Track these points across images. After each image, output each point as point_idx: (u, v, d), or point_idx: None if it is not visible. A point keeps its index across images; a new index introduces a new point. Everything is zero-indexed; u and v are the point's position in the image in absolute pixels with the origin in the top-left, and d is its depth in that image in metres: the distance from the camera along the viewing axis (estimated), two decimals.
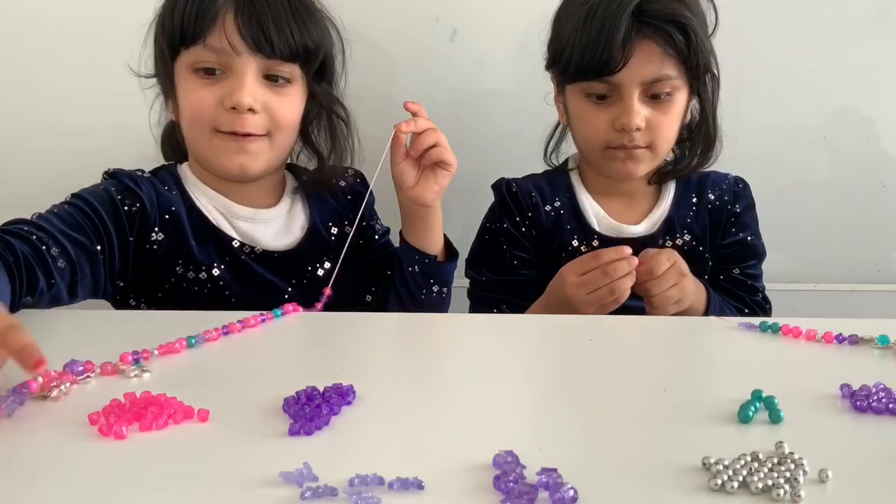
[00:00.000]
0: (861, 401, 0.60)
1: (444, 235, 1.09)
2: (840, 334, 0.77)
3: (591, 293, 0.97)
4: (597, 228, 1.14)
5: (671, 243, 1.13)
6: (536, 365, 0.75)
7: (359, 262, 1.11)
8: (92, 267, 0.92)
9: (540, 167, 1.24)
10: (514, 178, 1.19)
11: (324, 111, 1.07)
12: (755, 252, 1.18)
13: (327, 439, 0.55)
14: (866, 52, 1.39)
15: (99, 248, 0.93)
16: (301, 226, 1.07)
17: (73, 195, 0.96)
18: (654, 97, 1.05)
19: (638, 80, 1.03)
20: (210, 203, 1.03)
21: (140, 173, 1.03)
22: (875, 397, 0.60)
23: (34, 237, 0.85)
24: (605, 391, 0.65)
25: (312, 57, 1.00)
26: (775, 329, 0.80)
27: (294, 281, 1.04)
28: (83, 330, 0.84)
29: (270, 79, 0.98)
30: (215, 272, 0.99)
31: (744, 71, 1.40)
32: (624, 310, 0.99)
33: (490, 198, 1.20)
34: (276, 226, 1.05)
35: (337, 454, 0.53)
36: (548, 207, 1.15)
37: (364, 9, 1.40)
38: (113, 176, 1.01)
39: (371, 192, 1.09)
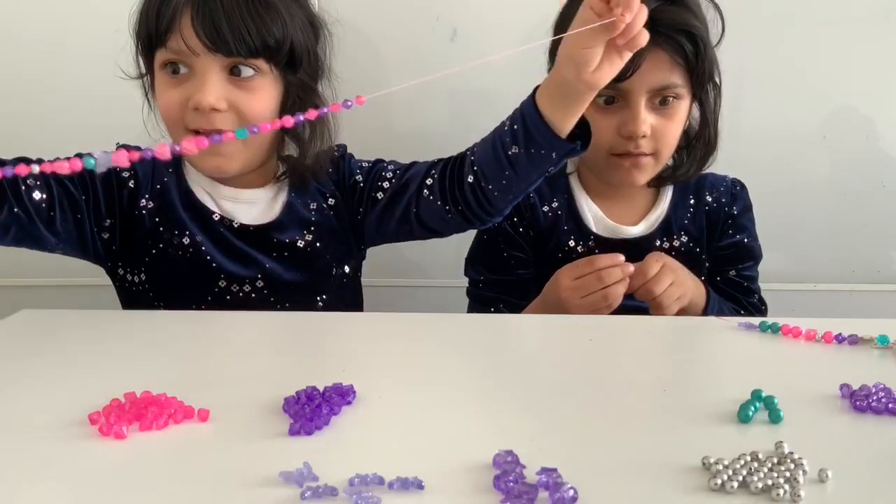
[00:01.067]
0: (861, 401, 0.60)
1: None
2: (840, 334, 0.77)
3: (584, 297, 0.99)
4: (593, 229, 1.14)
5: (668, 244, 1.14)
6: (536, 365, 0.75)
7: (379, 212, 1.08)
8: (74, 213, 0.96)
9: None
10: None
11: (303, 102, 1.06)
12: (752, 254, 1.18)
13: (327, 439, 0.55)
14: (866, 52, 1.39)
15: (84, 197, 0.97)
16: (281, 206, 1.08)
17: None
18: (659, 103, 1.05)
19: (646, 87, 1.03)
20: (198, 183, 1.06)
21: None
22: (875, 397, 0.60)
23: (10, 162, 0.86)
24: (605, 391, 0.65)
25: (275, 51, 0.99)
26: (775, 329, 0.80)
27: (275, 254, 1.05)
28: (83, 329, 0.85)
29: (236, 73, 0.98)
30: (198, 238, 1.03)
31: (744, 71, 1.40)
32: (624, 310, 0.99)
33: None
34: (259, 207, 1.07)
35: (337, 454, 0.53)
36: (545, 208, 1.16)
37: (364, 9, 1.41)
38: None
39: (352, 159, 1.11)
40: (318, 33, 1.06)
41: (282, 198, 1.08)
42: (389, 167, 1.09)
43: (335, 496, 0.46)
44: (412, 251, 1.24)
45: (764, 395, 0.60)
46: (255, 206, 1.06)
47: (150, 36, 0.98)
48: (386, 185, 1.07)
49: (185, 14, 0.95)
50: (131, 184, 1.02)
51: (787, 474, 0.48)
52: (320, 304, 1.07)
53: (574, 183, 1.18)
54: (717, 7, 1.10)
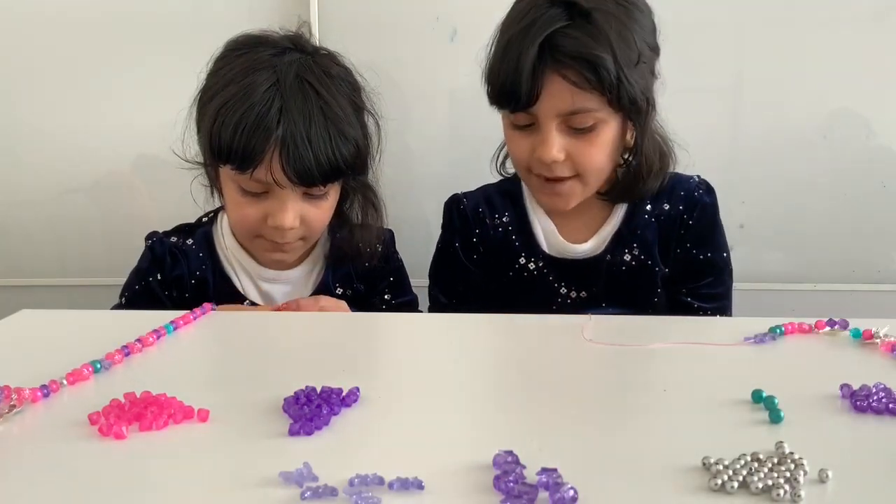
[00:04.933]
0: (861, 401, 0.60)
1: None
2: (831, 318, 0.79)
3: None
4: (544, 247, 1.10)
5: (619, 258, 1.08)
6: (536, 365, 0.75)
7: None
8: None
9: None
10: (465, 193, 1.16)
11: (360, 198, 1.12)
12: (711, 269, 1.10)
13: (327, 439, 0.55)
14: (866, 52, 1.39)
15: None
16: (314, 284, 1.12)
17: (126, 300, 1.09)
18: (576, 128, 0.99)
19: (553, 112, 0.98)
20: (238, 264, 1.10)
21: (178, 242, 1.10)
22: (875, 397, 0.60)
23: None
24: (605, 391, 0.65)
25: (346, 173, 1.04)
26: (780, 332, 0.80)
27: None
28: (83, 329, 0.85)
29: (310, 193, 1.03)
30: None
31: (744, 71, 1.40)
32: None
33: None
34: (293, 284, 1.11)
35: (337, 454, 0.53)
36: (496, 221, 1.12)
37: (364, 8, 1.41)
38: (152, 249, 1.10)
39: (391, 249, 1.17)
40: (371, 129, 1.09)
41: (316, 275, 1.12)
42: (389, 293, 1.14)
43: (335, 496, 0.46)
44: (411, 251, 1.24)
45: (764, 395, 0.60)
46: (289, 285, 1.11)
47: (231, 160, 0.99)
48: (386, 297, 1.13)
49: (275, 151, 0.97)
50: (176, 279, 1.08)
51: (788, 474, 0.48)
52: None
53: (527, 195, 1.13)
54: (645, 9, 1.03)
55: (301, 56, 1.03)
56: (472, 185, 1.21)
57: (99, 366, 0.68)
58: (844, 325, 0.80)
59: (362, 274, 1.14)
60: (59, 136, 1.44)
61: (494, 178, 1.20)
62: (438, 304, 1.16)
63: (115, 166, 1.46)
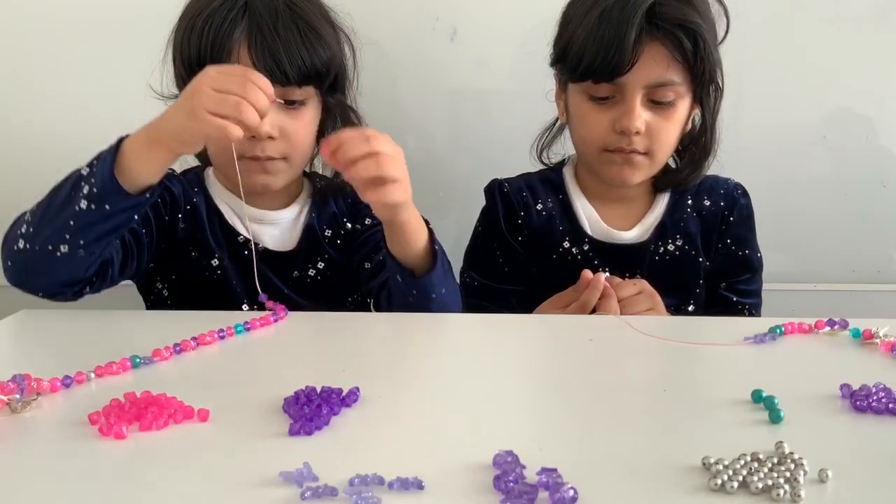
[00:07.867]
0: (861, 401, 0.60)
1: (436, 242, 0.99)
2: (831, 318, 0.79)
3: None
4: (589, 232, 1.13)
5: (662, 248, 1.12)
6: (536, 365, 0.75)
7: (354, 261, 1.11)
8: (138, 248, 0.98)
9: (539, 167, 1.24)
10: (506, 179, 1.18)
11: (339, 120, 1.08)
12: (748, 266, 1.15)
13: (327, 439, 0.55)
14: (866, 52, 1.39)
15: (144, 230, 0.99)
16: (301, 228, 1.09)
17: None
18: (656, 103, 1.04)
19: (643, 82, 1.02)
20: (226, 206, 1.07)
21: (170, 171, 1.06)
22: (875, 397, 0.60)
23: None
24: (605, 391, 0.65)
25: (324, 76, 1.02)
26: (780, 332, 0.80)
27: (290, 282, 1.06)
28: (83, 329, 0.85)
29: (286, 102, 1.00)
30: (226, 262, 1.04)
31: (744, 70, 1.40)
32: None
33: None
34: (281, 228, 1.08)
35: (337, 454, 0.53)
36: (539, 206, 1.15)
37: (364, 9, 1.40)
38: None
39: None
40: (346, 49, 1.07)
41: (303, 219, 1.09)
42: (374, 250, 1.08)
43: (335, 496, 0.46)
44: None
45: (764, 395, 0.60)
46: (277, 228, 1.08)
47: (202, 63, 0.95)
48: (372, 261, 1.07)
49: (242, 45, 0.96)
50: (170, 204, 1.03)
51: (788, 474, 0.48)
52: None
53: (570, 182, 1.16)
54: (722, 4, 1.08)
55: None
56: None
57: (139, 360, 0.69)
58: (844, 325, 0.80)
59: (347, 211, 1.12)
60: (58, 136, 1.44)
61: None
62: (473, 287, 1.15)
63: None
